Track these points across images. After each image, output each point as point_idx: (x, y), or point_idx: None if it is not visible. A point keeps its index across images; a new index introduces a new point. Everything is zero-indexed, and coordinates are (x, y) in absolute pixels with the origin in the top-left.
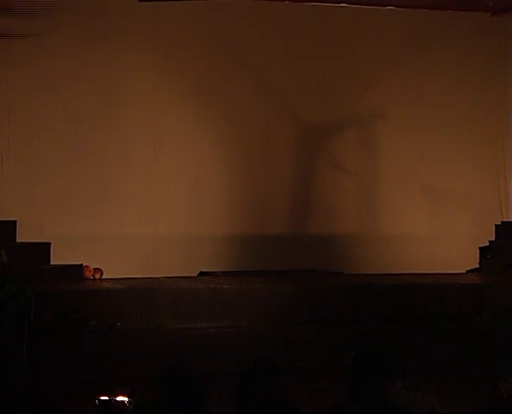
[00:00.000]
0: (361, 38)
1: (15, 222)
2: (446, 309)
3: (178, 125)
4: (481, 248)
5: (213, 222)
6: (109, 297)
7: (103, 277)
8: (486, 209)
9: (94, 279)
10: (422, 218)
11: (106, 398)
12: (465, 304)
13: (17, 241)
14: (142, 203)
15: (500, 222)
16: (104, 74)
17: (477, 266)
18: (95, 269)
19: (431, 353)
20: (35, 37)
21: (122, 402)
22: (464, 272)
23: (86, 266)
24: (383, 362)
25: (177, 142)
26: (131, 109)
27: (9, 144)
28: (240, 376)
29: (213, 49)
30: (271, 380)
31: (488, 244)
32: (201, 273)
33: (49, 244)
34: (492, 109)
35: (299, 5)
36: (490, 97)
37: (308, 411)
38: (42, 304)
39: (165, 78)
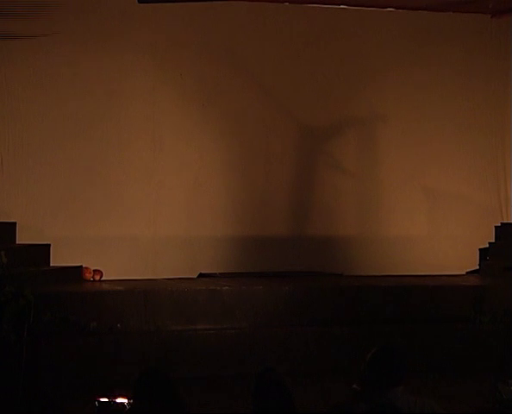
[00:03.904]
0: (361, 40)
1: (14, 223)
2: (446, 310)
3: (178, 127)
4: (481, 250)
5: (212, 223)
6: (109, 298)
7: (103, 278)
8: (486, 210)
9: (93, 280)
10: (422, 220)
11: (105, 399)
12: (465, 305)
13: (17, 242)
14: (142, 205)
15: (500, 224)
16: (104, 75)
17: (477, 267)
18: (94, 271)
19: (431, 354)
20: (35, 38)
21: (122, 403)
22: (463, 273)
23: (86, 267)
24: (397, 364)
25: (177, 144)
26: (131, 111)
27: (9, 145)
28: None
29: (212, 51)
30: (280, 393)
31: (487, 246)
32: (200, 275)
33: (49, 246)
34: (492, 111)
35: (299, 7)
36: (490, 98)
37: (308, 412)
38: (42, 306)
39: (165, 79)
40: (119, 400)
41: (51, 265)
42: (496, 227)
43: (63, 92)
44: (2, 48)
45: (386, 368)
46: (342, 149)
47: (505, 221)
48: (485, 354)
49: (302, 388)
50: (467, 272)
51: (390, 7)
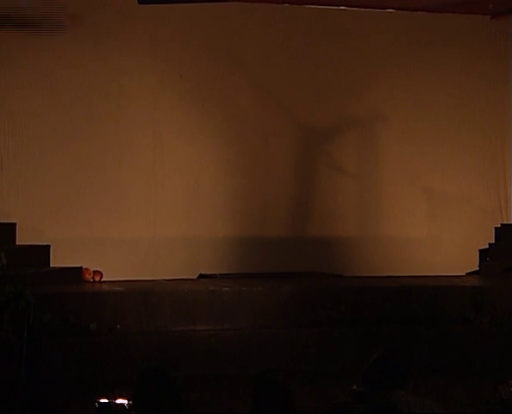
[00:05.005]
0: (361, 40)
1: (14, 224)
2: (446, 311)
3: (178, 128)
4: (481, 251)
5: (213, 224)
6: (109, 299)
7: (103, 279)
8: (486, 211)
9: (93, 281)
10: (422, 221)
11: (105, 400)
12: (465, 306)
13: (17, 243)
14: (142, 206)
15: (500, 225)
16: (104, 75)
17: (477, 268)
18: (94, 272)
19: (431, 355)
20: (35, 40)
21: (122, 404)
22: (463, 274)
23: (86, 268)
24: (402, 367)
25: (177, 145)
26: (130, 112)
27: (9, 146)
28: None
29: (212, 51)
30: (280, 393)
31: (488, 247)
32: (200, 276)
33: (49, 246)
34: (492, 112)
35: (299, 7)
36: (490, 99)
37: (307, 412)
38: (42, 307)
39: (165, 79)
40: (119, 401)
41: (51, 266)
42: (496, 228)
43: (63, 93)
44: (2, 48)
45: (391, 371)
46: (342, 149)
47: (505, 222)
48: (485, 355)
49: (302, 389)
50: (467, 273)
51: (389, 8)
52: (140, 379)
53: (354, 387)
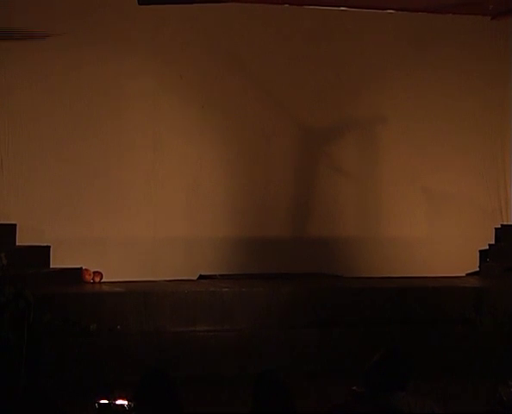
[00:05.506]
0: (361, 41)
1: (14, 225)
2: (446, 312)
3: (178, 128)
4: (481, 252)
5: (213, 225)
6: (109, 300)
7: (103, 280)
8: (486, 212)
9: (93, 282)
10: (422, 221)
11: (106, 401)
12: (465, 307)
13: (17, 244)
14: (142, 206)
15: (500, 226)
16: (104, 77)
17: (477, 269)
18: (94, 272)
19: (431, 356)
20: (36, 40)
21: (122, 405)
22: (464, 275)
23: (86, 269)
24: (404, 369)
25: (177, 145)
26: (131, 113)
27: (9, 147)
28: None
29: (212, 52)
30: (280, 394)
31: (488, 247)
32: (200, 277)
33: (49, 247)
34: (492, 113)
35: (299, 8)
36: (490, 100)
37: (308, 412)
38: (42, 308)
39: (165, 81)
40: (119, 402)
41: (51, 266)
42: (496, 228)
43: (63, 93)
44: (2, 48)
45: (391, 372)
46: (342, 150)
47: (505, 222)
48: (486, 356)
49: (302, 389)
50: (467, 274)
51: (389, 9)
52: (142, 381)
53: (354, 388)
